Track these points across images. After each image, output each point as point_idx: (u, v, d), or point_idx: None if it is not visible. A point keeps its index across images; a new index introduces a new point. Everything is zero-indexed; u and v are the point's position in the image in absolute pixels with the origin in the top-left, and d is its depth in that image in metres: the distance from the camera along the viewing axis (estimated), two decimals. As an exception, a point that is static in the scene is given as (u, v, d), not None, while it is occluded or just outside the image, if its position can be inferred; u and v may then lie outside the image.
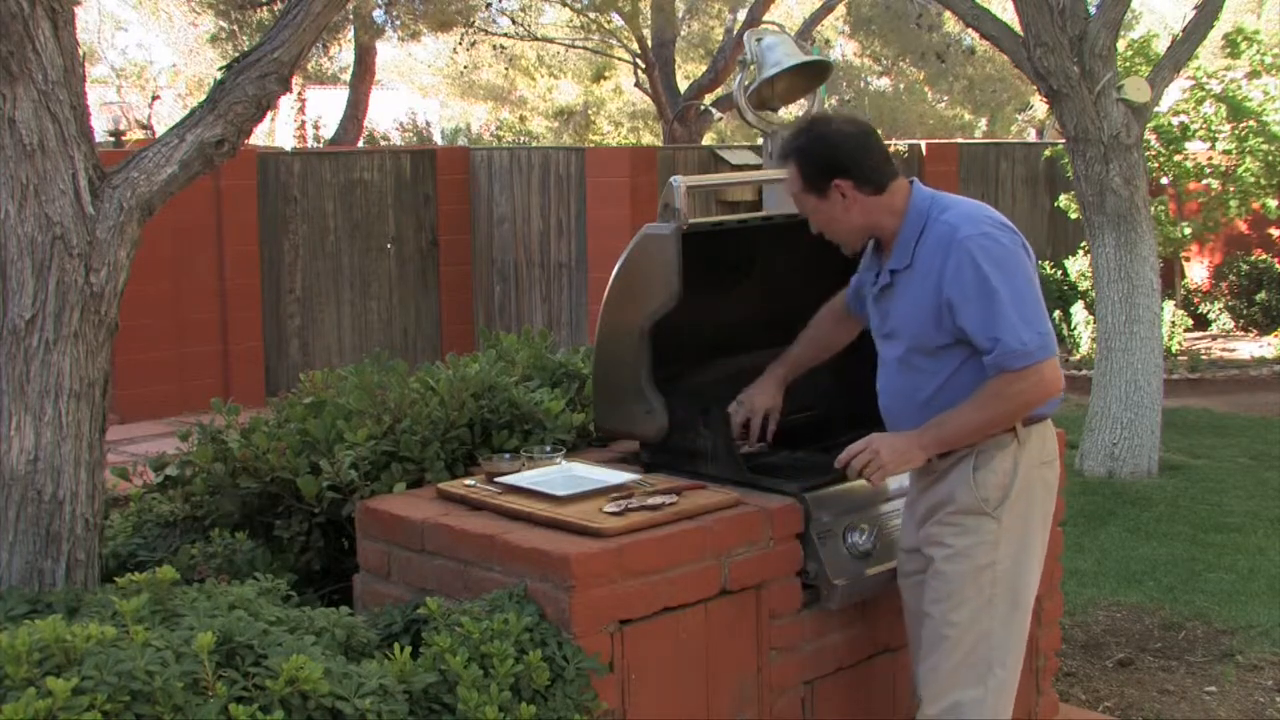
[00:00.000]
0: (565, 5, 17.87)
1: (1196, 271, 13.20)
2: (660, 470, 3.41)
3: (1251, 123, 11.44)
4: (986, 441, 3.08)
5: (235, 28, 15.16)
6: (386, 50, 20.51)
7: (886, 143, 3.35)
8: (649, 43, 17.04)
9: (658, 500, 3.13)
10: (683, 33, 19.25)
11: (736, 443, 3.46)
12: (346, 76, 19.05)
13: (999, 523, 3.08)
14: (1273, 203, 11.83)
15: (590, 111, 23.87)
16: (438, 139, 24.90)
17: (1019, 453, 3.09)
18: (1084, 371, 9.96)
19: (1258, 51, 11.49)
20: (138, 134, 15.97)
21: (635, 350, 3.42)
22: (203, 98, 3.42)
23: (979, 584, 3.08)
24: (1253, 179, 11.61)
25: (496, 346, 4.20)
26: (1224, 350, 11.72)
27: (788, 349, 3.56)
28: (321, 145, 18.76)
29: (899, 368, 3.17)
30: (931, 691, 3.11)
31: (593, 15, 17.54)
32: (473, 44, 18.80)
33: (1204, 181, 11.89)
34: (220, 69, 3.45)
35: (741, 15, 17.52)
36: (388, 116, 23.48)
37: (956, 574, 3.08)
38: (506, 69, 21.94)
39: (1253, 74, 11.54)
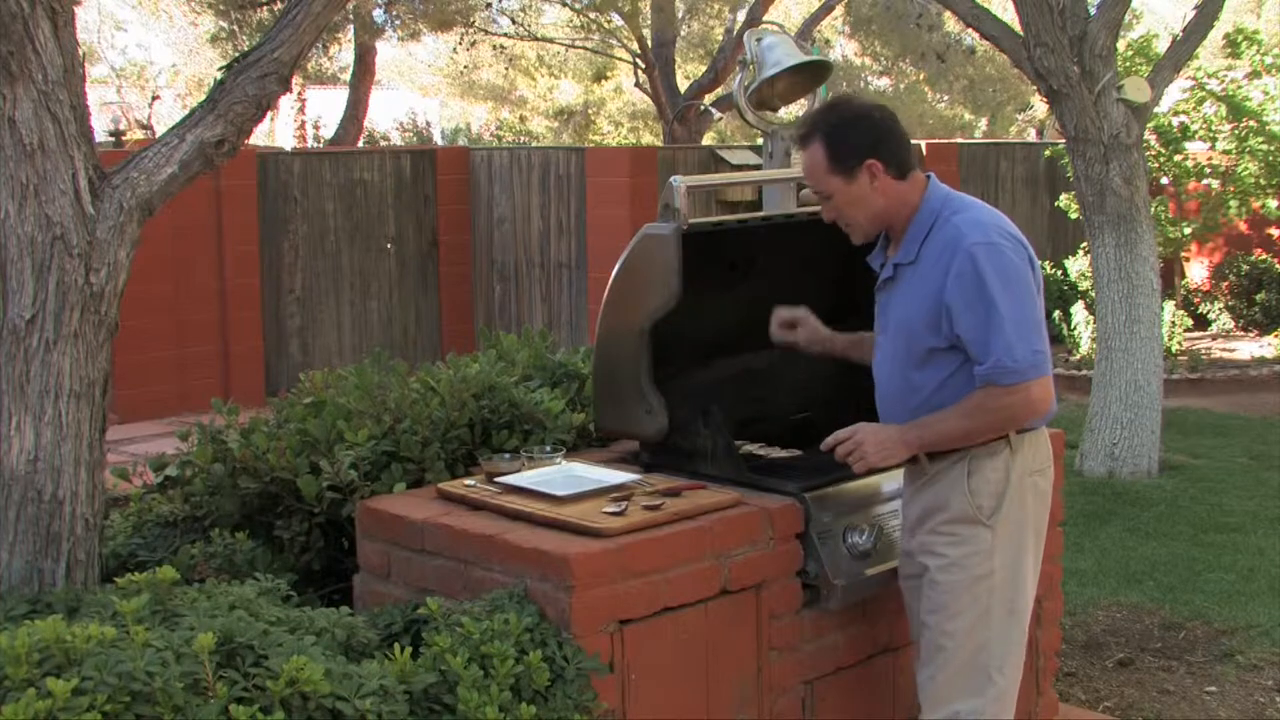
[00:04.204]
0: (565, 5, 17.87)
1: (1196, 271, 13.20)
2: (660, 470, 3.41)
3: (1251, 123, 11.44)
4: (979, 449, 3.05)
5: (235, 28, 15.15)
6: (386, 50, 20.51)
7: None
8: (649, 43, 17.04)
9: (658, 500, 3.13)
10: (683, 33, 19.24)
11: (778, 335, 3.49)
12: (346, 76, 19.04)
13: (993, 531, 3.06)
14: (1273, 203, 11.83)
15: (590, 111, 23.87)
16: (438, 139, 24.90)
17: (1011, 460, 3.07)
18: (1084, 371, 9.97)
19: (1258, 52, 11.49)
20: (138, 134, 15.97)
21: (635, 350, 3.42)
22: (203, 98, 3.42)
23: (975, 594, 3.06)
24: (1253, 179, 11.61)
25: (496, 346, 4.20)
26: (1224, 350, 11.71)
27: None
28: (321, 145, 18.76)
29: (893, 365, 3.15)
30: (930, 701, 3.11)
31: (593, 15, 17.54)
32: (473, 44, 18.80)
33: (1204, 181, 11.89)
34: (220, 69, 3.45)
35: (741, 15, 17.51)
36: (388, 116, 23.48)
37: (952, 584, 3.06)
38: (506, 69, 21.94)
39: (1253, 74, 11.54)
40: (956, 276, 2.98)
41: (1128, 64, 10.61)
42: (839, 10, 18.53)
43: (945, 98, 22.51)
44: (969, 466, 3.06)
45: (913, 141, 3.18)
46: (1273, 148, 11.44)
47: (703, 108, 15.85)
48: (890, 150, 3.07)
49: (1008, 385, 2.95)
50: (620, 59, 19.45)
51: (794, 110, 4.80)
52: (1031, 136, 22.99)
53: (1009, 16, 7.94)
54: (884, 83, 22.60)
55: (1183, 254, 12.56)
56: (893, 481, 3.34)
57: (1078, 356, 11.02)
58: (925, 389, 3.08)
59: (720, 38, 19.02)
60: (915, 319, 3.07)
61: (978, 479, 3.05)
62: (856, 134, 3.07)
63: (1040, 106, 20.68)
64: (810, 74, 4.41)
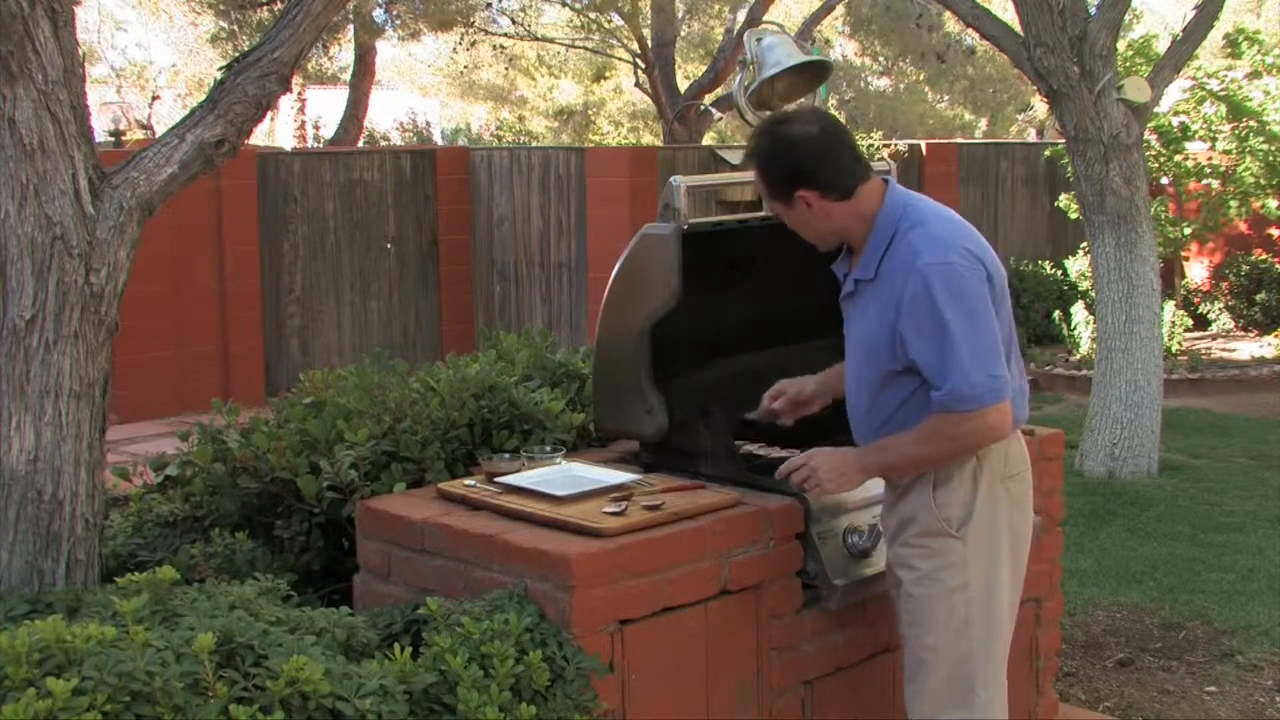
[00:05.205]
0: (565, 5, 17.87)
1: (1196, 271, 13.21)
2: (660, 470, 3.41)
3: (1252, 123, 11.44)
4: None
5: (235, 28, 15.15)
6: (386, 50, 20.50)
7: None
8: (649, 43, 17.04)
9: (657, 500, 3.13)
10: (683, 33, 19.24)
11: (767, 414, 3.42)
12: (346, 76, 19.03)
13: (964, 543, 2.99)
14: (1273, 203, 11.83)
15: (590, 111, 23.86)
16: (438, 139, 24.89)
17: (979, 469, 3.00)
18: (1084, 371, 9.97)
19: (1259, 52, 11.50)
20: (138, 134, 15.96)
21: (635, 350, 3.42)
22: (203, 98, 3.42)
23: (951, 606, 3.00)
24: (1253, 179, 11.61)
25: (496, 346, 4.20)
26: (1224, 350, 11.72)
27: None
28: (321, 145, 18.75)
29: (859, 382, 3.10)
30: (916, 715, 3.09)
31: (593, 15, 17.53)
32: (473, 44, 18.79)
33: (1204, 181, 11.89)
34: (220, 69, 3.45)
35: (741, 15, 17.52)
36: (388, 116, 23.47)
37: (926, 598, 3.02)
38: (506, 69, 21.94)
39: (1253, 74, 11.54)
40: (910, 300, 2.89)
41: (1128, 64, 10.61)
42: (839, 10, 18.54)
43: (945, 98, 22.52)
44: (935, 479, 3.00)
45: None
46: (1273, 148, 11.44)
47: (703, 108, 15.84)
48: (825, 177, 2.96)
49: (964, 412, 2.88)
50: (620, 59, 19.44)
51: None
52: (1031, 136, 23.00)
53: (1009, 16, 7.94)
54: (884, 83, 22.61)
55: (1183, 254, 12.56)
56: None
57: (1078, 356, 11.02)
58: (888, 408, 3.03)
59: (720, 38, 19.02)
60: (875, 340, 3.01)
61: (944, 491, 2.99)
62: (785, 164, 3.00)
63: (1040, 106, 20.67)
64: (810, 74, 4.40)
